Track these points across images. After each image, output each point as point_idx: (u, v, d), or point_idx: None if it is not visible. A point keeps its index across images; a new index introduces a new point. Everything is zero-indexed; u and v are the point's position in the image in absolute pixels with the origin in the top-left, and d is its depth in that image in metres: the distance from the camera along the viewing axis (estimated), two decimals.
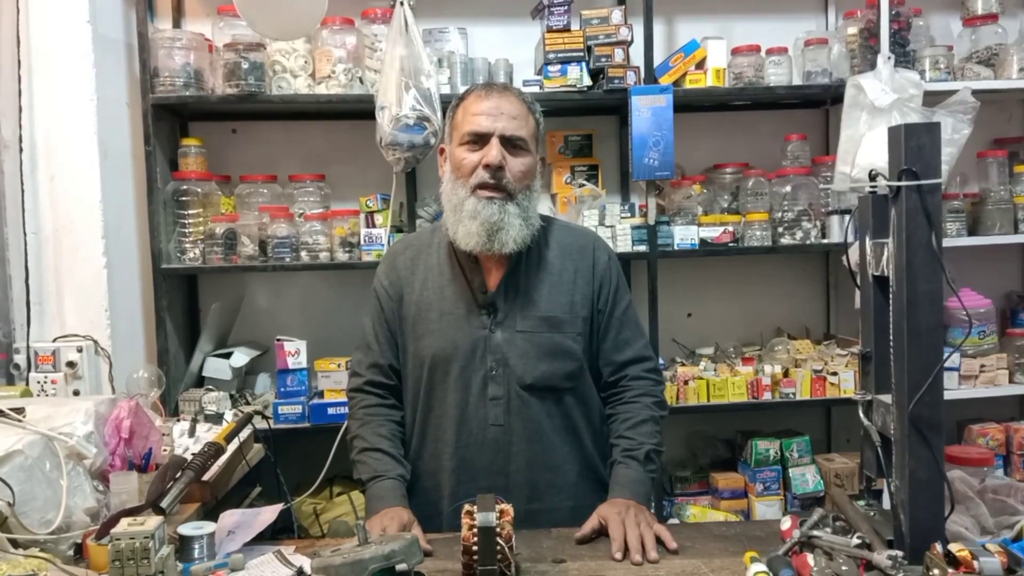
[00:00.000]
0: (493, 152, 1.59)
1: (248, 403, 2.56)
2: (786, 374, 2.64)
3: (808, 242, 2.67)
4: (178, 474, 1.48)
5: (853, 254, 2.46)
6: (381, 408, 1.72)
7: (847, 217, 2.63)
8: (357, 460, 1.67)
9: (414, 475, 1.69)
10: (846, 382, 2.59)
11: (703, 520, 2.59)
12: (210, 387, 2.51)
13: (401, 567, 1.16)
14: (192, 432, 1.91)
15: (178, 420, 2.06)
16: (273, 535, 1.58)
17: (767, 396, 2.60)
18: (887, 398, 1.26)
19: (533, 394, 1.63)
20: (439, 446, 1.66)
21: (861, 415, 1.34)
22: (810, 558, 1.20)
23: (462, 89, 2.60)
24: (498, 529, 1.23)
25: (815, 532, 1.27)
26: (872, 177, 1.31)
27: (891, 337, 1.23)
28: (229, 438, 1.62)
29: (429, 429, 1.68)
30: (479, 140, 1.61)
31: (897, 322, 1.21)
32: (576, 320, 1.66)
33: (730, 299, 2.97)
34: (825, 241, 2.69)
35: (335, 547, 1.26)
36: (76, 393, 2.22)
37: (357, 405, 1.73)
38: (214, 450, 1.56)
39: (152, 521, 1.25)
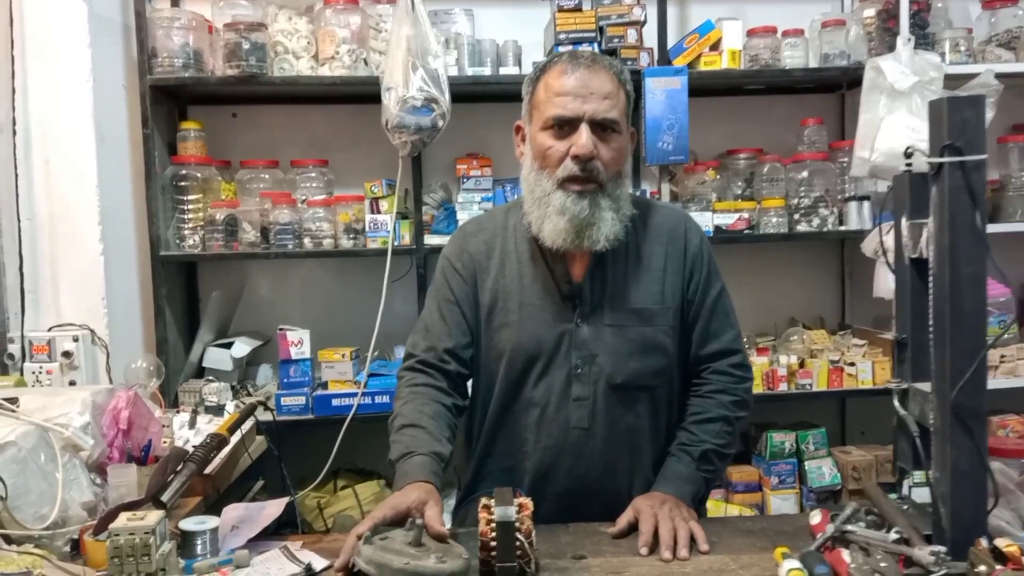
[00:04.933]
0: (583, 141, 1.40)
1: (250, 394, 2.50)
2: (802, 365, 2.57)
3: (825, 229, 2.61)
4: (179, 466, 1.42)
5: (871, 242, 2.41)
6: (429, 389, 1.52)
7: (865, 203, 2.58)
8: (392, 440, 1.46)
9: (478, 477, 1.58)
10: (864, 373, 2.53)
11: (717, 514, 2.54)
12: (210, 378, 2.45)
13: None
14: (193, 424, 1.86)
15: (178, 412, 2.00)
16: (277, 529, 1.53)
17: (783, 387, 2.54)
18: (926, 386, 1.20)
19: (621, 395, 1.49)
20: (514, 446, 1.53)
21: (896, 404, 1.28)
22: (845, 554, 1.15)
23: (470, 71, 2.55)
24: (517, 524, 1.18)
25: (848, 527, 1.21)
26: (908, 154, 1.25)
27: (931, 322, 1.17)
28: (232, 429, 1.56)
29: (503, 428, 1.54)
30: (565, 125, 1.43)
31: (938, 306, 1.15)
32: (667, 312, 1.52)
33: (744, 288, 2.89)
34: (843, 228, 2.63)
35: (383, 534, 1.20)
36: (72, 384, 2.18)
37: (404, 384, 1.54)
38: (217, 441, 1.49)
39: (153, 516, 1.20)
